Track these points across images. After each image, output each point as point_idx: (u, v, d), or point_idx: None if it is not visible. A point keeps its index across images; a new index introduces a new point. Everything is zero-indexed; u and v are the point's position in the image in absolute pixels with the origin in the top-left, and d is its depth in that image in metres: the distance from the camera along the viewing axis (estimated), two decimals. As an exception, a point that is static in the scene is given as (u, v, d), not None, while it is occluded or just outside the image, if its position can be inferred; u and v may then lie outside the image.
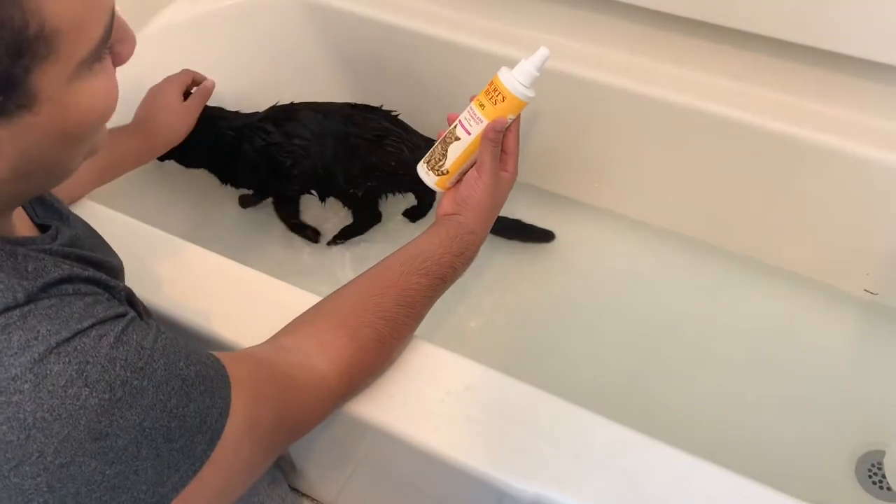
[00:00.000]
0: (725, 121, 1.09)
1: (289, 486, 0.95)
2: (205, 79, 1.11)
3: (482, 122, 0.78)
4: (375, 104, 1.20)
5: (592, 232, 1.34)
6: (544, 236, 1.31)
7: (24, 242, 0.52)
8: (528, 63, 0.76)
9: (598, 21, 1.16)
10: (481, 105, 0.78)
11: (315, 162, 1.18)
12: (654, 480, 0.65)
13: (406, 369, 0.73)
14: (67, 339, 0.45)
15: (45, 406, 0.43)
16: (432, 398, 0.71)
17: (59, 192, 0.66)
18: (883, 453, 1.05)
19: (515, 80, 0.76)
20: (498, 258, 1.29)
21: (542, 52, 0.76)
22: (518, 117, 0.79)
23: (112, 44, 0.48)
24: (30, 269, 0.48)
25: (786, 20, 1.00)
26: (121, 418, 0.46)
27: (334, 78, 1.40)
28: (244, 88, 1.18)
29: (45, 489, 0.44)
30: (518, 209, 1.29)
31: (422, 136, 1.21)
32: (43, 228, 0.59)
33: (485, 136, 0.77)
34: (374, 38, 1.30)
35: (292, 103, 1.20)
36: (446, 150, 0.81)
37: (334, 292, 0.72)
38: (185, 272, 0.82)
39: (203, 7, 1.26)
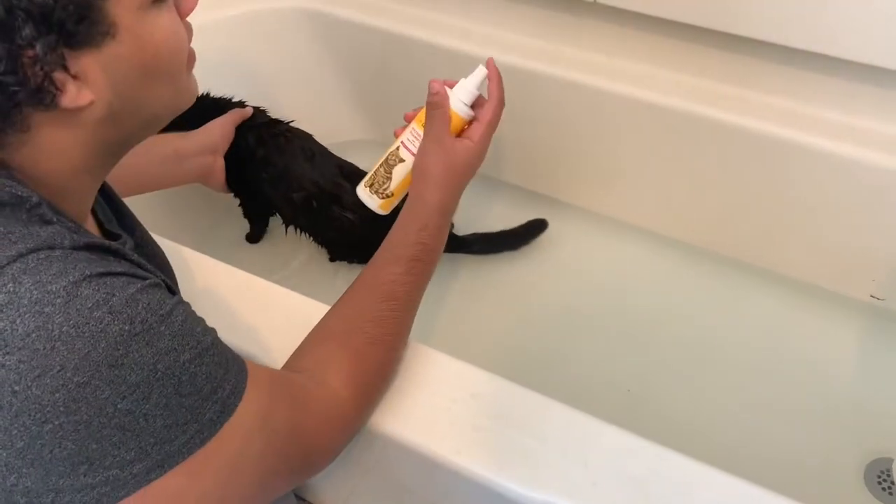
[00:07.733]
0: (727, 126, 1.09)
1: (295, 495, 0.94)
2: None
3: None
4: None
5: (597, 238, 1.34)
6: (538, 228, 1.28)
7: None
8: (469, 82, 0.77)
9: (600, 28, 1.16)
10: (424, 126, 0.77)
11: (282, 199, 1.15)
12: (662, 487, 0.65)
13: (412, 377, 0.73)
14: (101, 274, 0.48)
15: (71, 321, 0.46)
16: (438, 406, 0.71)
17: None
18: (892, 460, 1.05)
19: (459, 100, 0.76)
20: (500, 264, 1.29)
21: (481, 70, 0.77)
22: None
23: None
24: (81, 232, 0.52)
25: (787, 25, 1.00)
26: (136, 353, 0.47)
27: (337, 86, 1.41)
28: (247, 98, 1.18)
29: (61, 408, 0.45)
30: (519, 214, 1.29)
31: None
32: (111, 237, 0.62)
33: (428, 103, 0.76)
34: (377, 46, 1.30)
35: (292, 130, 1.17)
36: (390, 173, 0.79)
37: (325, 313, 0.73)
38: (196, 283, 0.82)
39: (204, 17, 1.26)
